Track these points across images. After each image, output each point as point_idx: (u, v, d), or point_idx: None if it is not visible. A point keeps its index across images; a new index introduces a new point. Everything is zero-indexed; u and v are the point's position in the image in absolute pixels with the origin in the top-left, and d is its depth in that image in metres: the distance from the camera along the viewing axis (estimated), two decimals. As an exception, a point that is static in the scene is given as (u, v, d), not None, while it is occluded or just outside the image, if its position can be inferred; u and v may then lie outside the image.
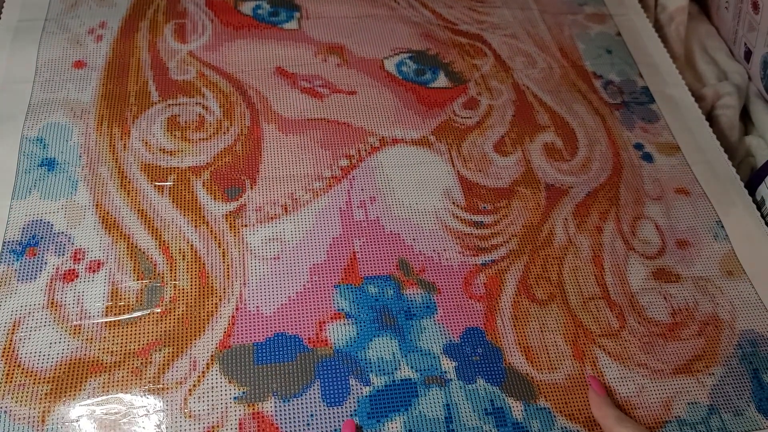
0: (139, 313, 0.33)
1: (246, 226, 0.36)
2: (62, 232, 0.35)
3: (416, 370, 0.32)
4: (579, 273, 0.37)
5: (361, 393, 0.31)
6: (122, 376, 0.31)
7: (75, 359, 0.31)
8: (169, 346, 0.32)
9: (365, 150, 0.41)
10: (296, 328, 0.33)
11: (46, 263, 0.34)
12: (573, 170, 0.42)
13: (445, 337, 0.34)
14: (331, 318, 0.34)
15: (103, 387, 0.31)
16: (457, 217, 0.38)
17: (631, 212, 0.40)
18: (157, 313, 0.33)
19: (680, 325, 0.36)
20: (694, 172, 0.42)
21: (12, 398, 0.30)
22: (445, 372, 0.33)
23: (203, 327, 0.33)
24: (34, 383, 0.31)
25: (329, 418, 0.31)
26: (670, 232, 0.39)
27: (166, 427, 0.30)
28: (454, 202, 0.39)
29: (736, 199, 0.41)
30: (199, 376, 0.31)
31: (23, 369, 0.31)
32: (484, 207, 0.39)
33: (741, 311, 0.37)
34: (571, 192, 0.40)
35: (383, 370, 0.32)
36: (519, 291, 0.36)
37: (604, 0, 0.54)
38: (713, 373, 0.34)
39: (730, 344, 0.35)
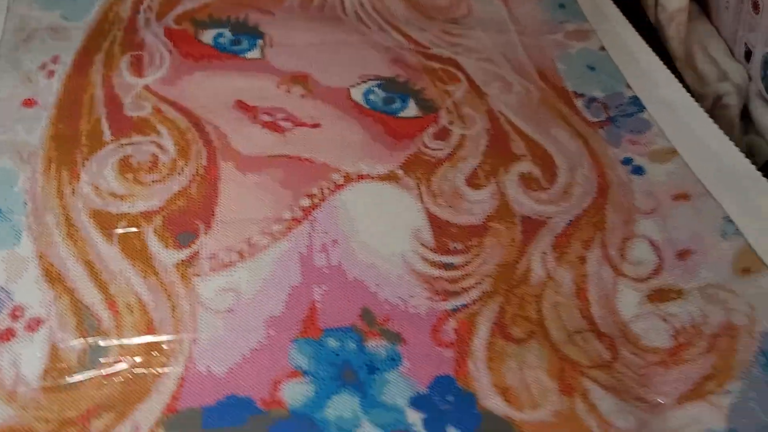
0: (79, 377, 0.31)
1: (198, 275, 0.34)
2: (1, 287, 0.33)
3: (379, 426, 0.30)
4: (561, 308, 0.34)
5: (318, 457, 0.29)
6: (58, 447, 0.29)
7: (6, 429, 0.29)
8: (110, 411, 0.30)
9: (328, 188, 0.39)
10: (248, 389, 0.31)
11: (-17, 322, 0.32)
12: (552, 199, 0.40)
13: (412, 389, 0.31)
14: (288, 376, 0.32)
15: (38, 459, 0.29)
16: (425, 259, 0.36)
17: (619, 234, 0.37)
18: (99, 375, 0.31)
19: (684, 346, 0.33)
20: (695, 172, 0.40)
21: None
22: (412, 425, 0.30)
23: (148, 389, 0.31)
24: (-34, 455, 0.29)
25: (281, 490, 0.29)
26: (668, 246, 0.37)
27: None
28: (422, 243, 0.37)
29: (747, 186, 0.38)
30: (140, 445, 0.29)
31: (-46, 441, 0.29)
32: (455, 246, 0.37)
33: (763, 310, 0.33)
34: (549, 223, 0.38)
35: (342, 429, 0.30)
36: (493, 332, 0.34)
37: (586, 16, 0.52)
38: (730, 390, 0.31)
39: (748, 352, 0.32)
